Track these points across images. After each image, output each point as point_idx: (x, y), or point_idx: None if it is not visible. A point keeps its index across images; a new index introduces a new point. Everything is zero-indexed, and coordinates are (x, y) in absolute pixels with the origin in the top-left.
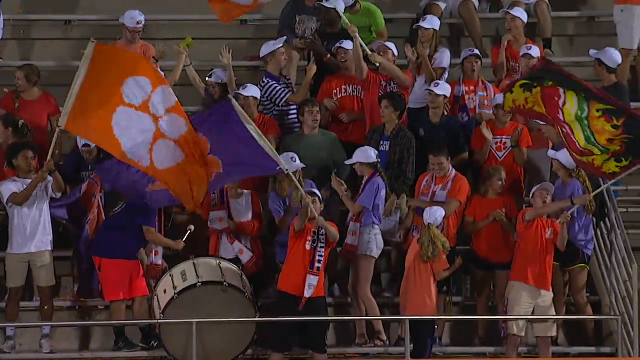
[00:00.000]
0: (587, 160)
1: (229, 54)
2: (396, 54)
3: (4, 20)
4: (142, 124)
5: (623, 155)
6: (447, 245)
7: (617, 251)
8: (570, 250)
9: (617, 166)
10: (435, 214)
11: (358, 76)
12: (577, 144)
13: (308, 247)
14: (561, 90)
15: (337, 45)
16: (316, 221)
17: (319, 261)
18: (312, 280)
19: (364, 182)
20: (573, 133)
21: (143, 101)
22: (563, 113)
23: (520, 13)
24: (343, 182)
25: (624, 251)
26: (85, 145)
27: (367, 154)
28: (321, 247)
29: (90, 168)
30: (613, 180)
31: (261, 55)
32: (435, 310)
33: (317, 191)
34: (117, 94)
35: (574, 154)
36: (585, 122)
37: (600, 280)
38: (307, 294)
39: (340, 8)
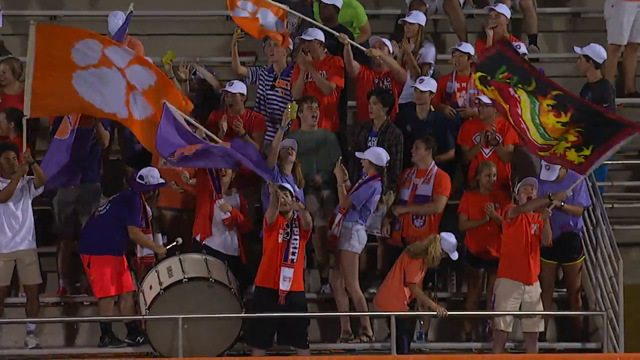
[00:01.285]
0: (549, 153)
1: (187, 69)
2: (392, 50)
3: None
4: (107, 78)
5: (583, 144)
6: (433, 260)
7: (602, 247)
8: (573, 243)
9: (579, 155)
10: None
11: (350, 73)
12: (534, 142)
13: (280, 239)
14: (511, 89)
15: (302, 36)
16: (291, 207)
17: (293, 253)
18: (287, 272)
19: (362, 179)
20: (529, 130)
21: (99, 58)
22: (521, 109)
23: (504, 9)
24: (346, 172)
25: (610, 247)
26: None
27: (379, 156)
28: (295, 239)
29: None
30: (587, 173)
31: None
32: (406, 308)
33: (288, 185)
34: (69, 62)
35: (536, 151)
36: (537, 120)
37: (586, 275)
38: (283, 286)
39: (339, 4)
